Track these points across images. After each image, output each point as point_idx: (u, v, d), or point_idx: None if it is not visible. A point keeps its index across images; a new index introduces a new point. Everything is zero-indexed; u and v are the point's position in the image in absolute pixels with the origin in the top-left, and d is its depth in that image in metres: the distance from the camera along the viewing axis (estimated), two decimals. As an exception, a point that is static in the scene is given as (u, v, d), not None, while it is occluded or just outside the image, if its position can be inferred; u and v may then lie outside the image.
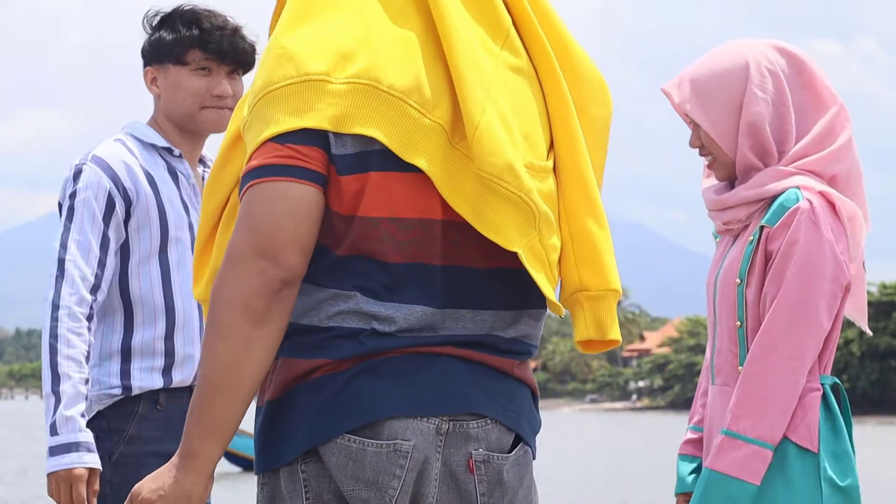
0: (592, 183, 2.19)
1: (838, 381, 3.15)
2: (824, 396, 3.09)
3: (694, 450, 3.31)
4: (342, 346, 2.08)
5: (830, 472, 3.05)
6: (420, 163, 2.06)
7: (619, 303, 2.22)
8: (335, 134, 2.07)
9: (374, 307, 2.08)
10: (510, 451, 2.17)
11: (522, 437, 2.18)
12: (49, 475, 3.39)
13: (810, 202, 3.05)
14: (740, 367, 3.11)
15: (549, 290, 2.13)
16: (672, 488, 3.39)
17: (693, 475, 3.30)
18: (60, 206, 3.55)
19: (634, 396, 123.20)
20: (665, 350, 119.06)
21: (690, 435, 3.33)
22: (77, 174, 3.51)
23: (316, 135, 2.06)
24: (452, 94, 2.10)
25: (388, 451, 2.07)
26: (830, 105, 3.18)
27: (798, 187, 3.08)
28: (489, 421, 2.13)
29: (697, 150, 3.24)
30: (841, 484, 3.05)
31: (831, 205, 3.09)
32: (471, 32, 2.12)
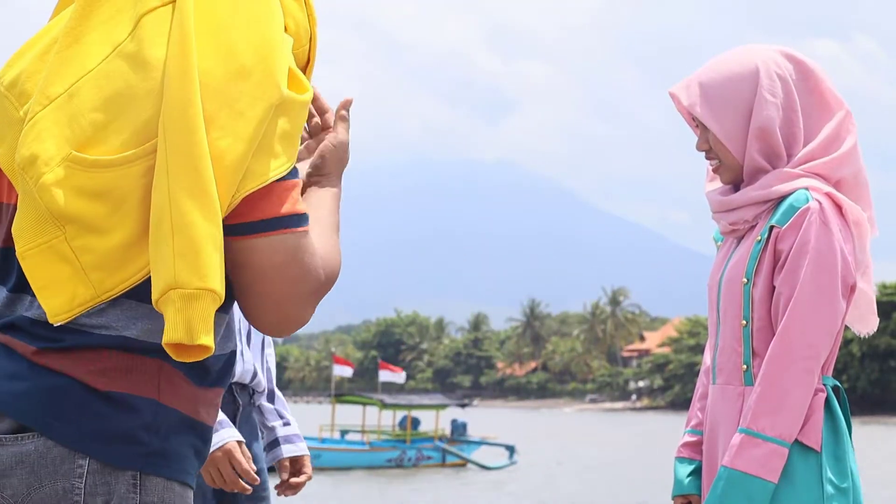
0: (206, 175, 2.06)
1: (838, 384, 3.16)
2: (827, 398, 3.10)
3: (691, 453, 3.32)
4: None
5: (830, 474, 3.06)
6: None
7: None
8: None
9: None
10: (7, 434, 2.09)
11: (37, 426, 2.06)
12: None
13: (820, 203, 3.07)
14: (744, 366, 3.13)
15: (49, 295, 2.07)
16: (671, 489, 3.39)
17: (690, 478, 3.30)
18: None
19: (634, 396, 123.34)
20: (665, 350, 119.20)
21: (688, 438, 3.33)
22: None
23: None
24: None
25: None
26: (836, 110, 3.20)
27: (807, 188, 3.10)
28: None
29: (704, 153, 3.25)
30: (841, 486, 3.06)
31: (838, 207, 3.11)
32: (91, 22, 2.13)
